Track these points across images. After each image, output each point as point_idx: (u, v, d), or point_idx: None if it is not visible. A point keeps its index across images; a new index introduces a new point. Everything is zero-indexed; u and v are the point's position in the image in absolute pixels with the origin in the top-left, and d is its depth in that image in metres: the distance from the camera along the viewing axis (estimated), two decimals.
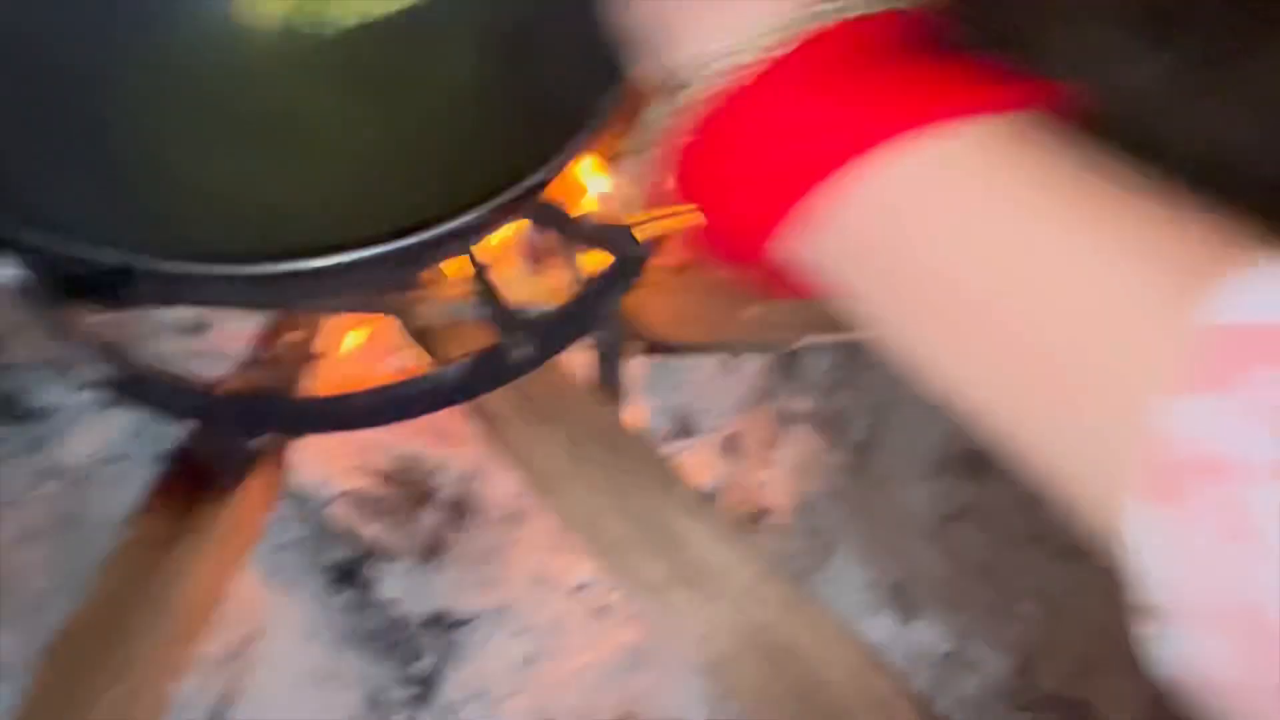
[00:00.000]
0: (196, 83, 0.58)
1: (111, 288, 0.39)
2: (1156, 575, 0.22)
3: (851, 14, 0.28)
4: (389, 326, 0.67)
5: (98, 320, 0.57)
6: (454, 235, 0.47)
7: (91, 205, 0.46)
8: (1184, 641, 0.22)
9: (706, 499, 0.60)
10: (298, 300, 0.54)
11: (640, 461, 0.60)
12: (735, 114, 0.28)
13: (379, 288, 0.55)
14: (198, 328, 0.73)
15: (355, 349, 0.68)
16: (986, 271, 0.25)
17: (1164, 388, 0.21)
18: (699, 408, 0.73)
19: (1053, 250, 0.24)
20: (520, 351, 0.54)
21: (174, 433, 0.72)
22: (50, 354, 0.72)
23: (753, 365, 0.74)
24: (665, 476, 0.60)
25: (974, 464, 0.70)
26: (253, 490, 0.62)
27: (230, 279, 0.42)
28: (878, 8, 0.28)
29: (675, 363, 0.75)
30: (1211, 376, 0.21)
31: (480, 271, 0.55)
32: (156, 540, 0.58)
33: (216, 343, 0.73)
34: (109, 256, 0.38)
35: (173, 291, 0.44)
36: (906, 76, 0.27)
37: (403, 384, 0.53)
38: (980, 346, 0.26)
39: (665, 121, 0.30)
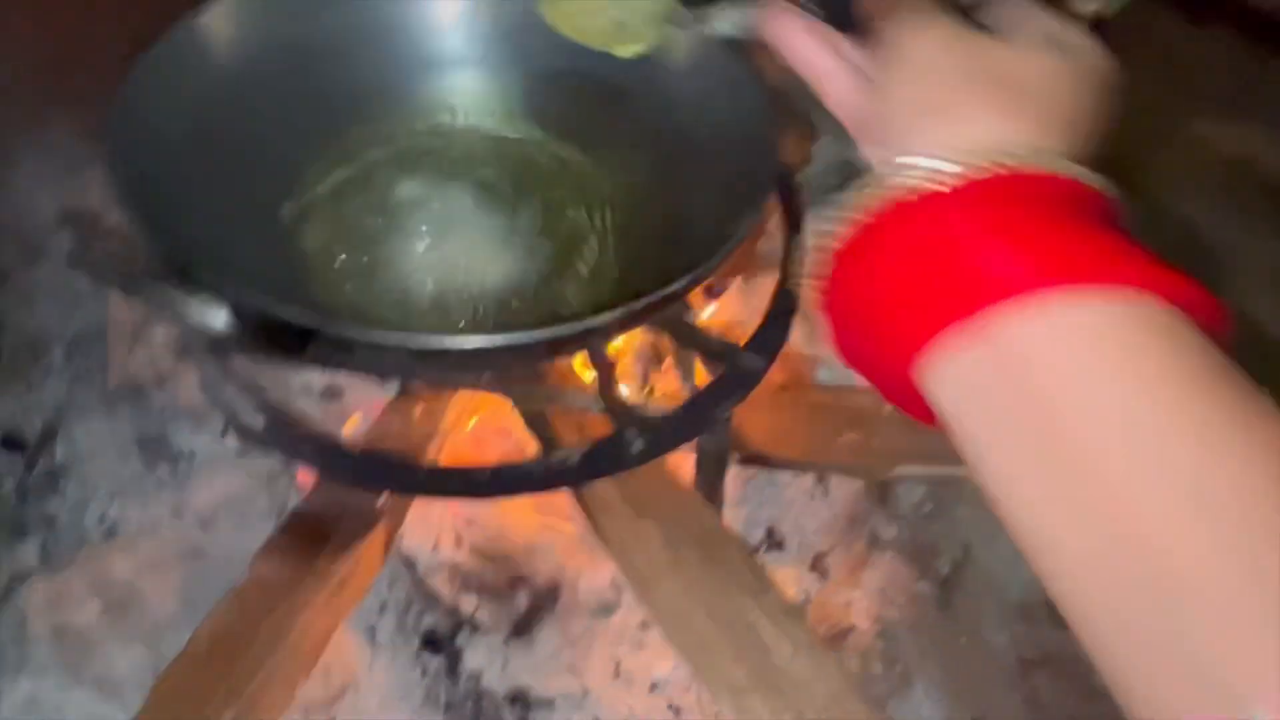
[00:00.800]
0: (373, 181, 0.65)
1: (297, 343, 0.45)
2: None
3: (1033, 167, 0.29)
4: (504, 410, 0.72)
5: (255, 374, 0.63)
6: (591, 332, 0.52)
7: (284, 272, 0.52)
8: None
9: (794, 610, 0.61)
10: (448, 375, 0.59)
11: (733, 566, 0.63)
12: (897, 227, 0.29)
13: (516, 373, 0.60)
14: (332, 394, 0.79)
15: (474, 428, 0.73)
16: (1105, 446, 0.25)
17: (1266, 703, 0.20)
18: (790, 523, 0.76)
19: (1179, 454, 0.24)
20: (635, 445, 0.58)
21: (294, 487, 0.78)
22: (206, 401, 0.79)
23: (846, 488, 0.76)
24: (756, 583, 0.62)
25: (1060, 612, 0.70)
26: (366, 548, 0.66)
27: (396, 349, 0.47)
28: (1059, 169, 0.29)
29: (771, 477, 0.77)
30: None
31: (608, 368, 0.59)
32: (276, 582, 0.62)
33: (347, 409, 0.78)
34: (301, 316, 0.44)
35: (341, 355, 0.49)
36: (1068, 236, 0.27)
37: (524, 463, 0.57)
38: (1081, 520, 0.25)
39: (850, 207, 0.31)
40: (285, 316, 0.43)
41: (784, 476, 0.78)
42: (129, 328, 0.85)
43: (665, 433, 0.60)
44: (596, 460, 0.58)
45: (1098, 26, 0.38)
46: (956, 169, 0.29)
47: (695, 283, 0.52)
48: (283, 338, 0.43)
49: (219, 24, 0.62)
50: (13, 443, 0.78)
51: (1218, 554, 0.23)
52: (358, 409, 0.77)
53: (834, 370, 0.86)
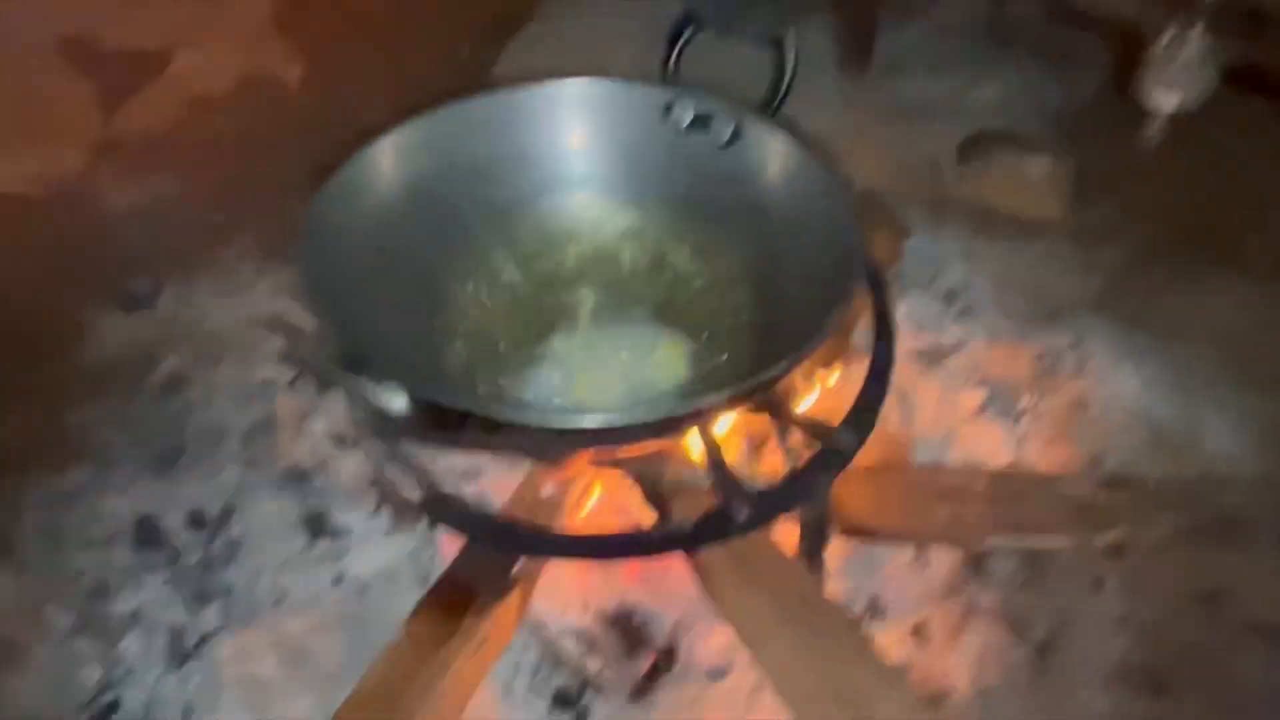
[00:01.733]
0: (508, 285, 0.76)
1: (456, 423, 0.54)
2: None
3: None
4: (624, 486, 0.80)
5: (414, 456, 0.72)
6: (699, 412, 0.60)
7: (436, 362, 0.62)
8: None
9: (896, 670, 0.66)
10: (576, 451, 0.68)
11: (837, 626, 0.68)
12: None
13: (635, 449, 0.68)
14: (472, 474, 0.89)
15: (596, 503, 0.81)
16: None
17: None
18: (891, 593, 0.81)
19: None
20: (741, 514, 0.65)
21: (436, 559, 0.87)
22: (365, 481, 0.89)
23: (943, 559, 0.81)
24: (859, 643, 0.67)
25: (1154, 678, 0.73)
26: (505, 610, 0.74)
27: (535, 428, 0.56)
28: None
29: (872, 550, 0.83)
30: None
31: (717, 446, 0.66)
32: (426, 639, 0.71)
33: (484, 488, 0.87)
34: (461, 400, 0.53)
35: (489, 434, 0.58)
36: None
37: (643, 530, 0.65)
38: None
39: None
40: (448, 401, 0.52)
41: (884, 549, 0.83)
42: (294, 420, 0.97)
43: (769, 503, 0.67)
44: (707, 528, 0.65)
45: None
46: None
47: (792, 366, 0.60)
48: (444, 419, 0.52)
49: (384, 157, 0.74)
50: (196, 521, 0.90)
51: None
52: (494, 488, 0.85)
53: (928, 449, 0.91)
